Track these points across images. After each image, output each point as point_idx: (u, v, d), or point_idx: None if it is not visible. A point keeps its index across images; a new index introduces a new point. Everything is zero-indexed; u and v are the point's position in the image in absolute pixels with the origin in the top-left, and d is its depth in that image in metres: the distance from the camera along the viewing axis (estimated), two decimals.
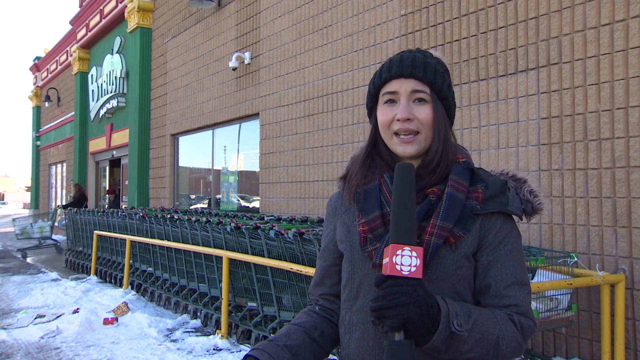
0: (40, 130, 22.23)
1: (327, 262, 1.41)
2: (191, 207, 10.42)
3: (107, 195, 15.14)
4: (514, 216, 1.29)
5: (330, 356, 4.06)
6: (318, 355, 1.33)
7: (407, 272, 1.07)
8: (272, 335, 4.81)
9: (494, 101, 4.65)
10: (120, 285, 8.09)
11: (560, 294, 3.56)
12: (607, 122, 3.87)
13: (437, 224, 1.19)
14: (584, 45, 4.03)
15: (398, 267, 1.07)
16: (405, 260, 1.07)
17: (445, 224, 1.19)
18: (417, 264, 1.07)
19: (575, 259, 3.66)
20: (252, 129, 8.47)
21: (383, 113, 1.28)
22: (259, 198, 8.00)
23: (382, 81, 1.29)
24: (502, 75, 4.59)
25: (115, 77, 13.65)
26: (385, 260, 1.09)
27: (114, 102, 13.90)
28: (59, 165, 20.06)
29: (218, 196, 9.84)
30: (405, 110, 1.25)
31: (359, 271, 1.29)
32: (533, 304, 3.43)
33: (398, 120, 1.25)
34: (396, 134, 1.26)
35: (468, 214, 1.22)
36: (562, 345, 4.09)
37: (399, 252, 1.07)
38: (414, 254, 1.08)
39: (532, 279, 3.54)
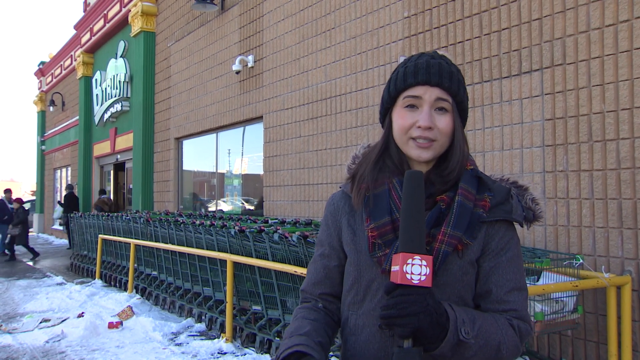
0: (45, 134, 22.33)
1: (333, 262, 1.39)
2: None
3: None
4: (515, 223, 1.32)
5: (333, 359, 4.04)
6: (328, 352, 1.33)
7: (417, 281, 1.09)
8: (277, 338, 4.81)
9: (498, 102, 4.64)
10: (125, 289, 8.09)
11: (566, 296, 3.54)
12: (612, 123, 3.85)
13: (448, 232, 1.22)
14: (588, 46, 4.01)
15: (408, 276, 1.09)
16: (416, 269, 1.09)
17: (455, 232, 1.22)
18: (427, 273, 1.10)
19: (581, 260, 3.63)
20: (255, 132, 8.47)
21: (403, 117, 1.28)
22: (263, 201, 8.00)
23: (407, 85, 1.28)
24: (506, 77, 4.57)
25: (119, 81, 13.69)
26: (395, 268, 1.11)
27: (118, 106, 13.94)
28: (64, 170, 20.14)
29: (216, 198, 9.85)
30: (428, 118, 1.25)
31: (366, 275, 1.29)
32: (539, 306, 3.41)
33: (419, 127, 1.25)
34: (413, 138, 1.27)
35: (475, 221, 1.25)
36: (568, 347, 4.06)
37: (409, 260, 1.09)
38: (424, 262, 1.10)
39: (538, 281, 3.52)
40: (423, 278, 1.09)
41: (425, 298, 1.09)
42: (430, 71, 1.26)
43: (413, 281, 1.09)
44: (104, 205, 13.69)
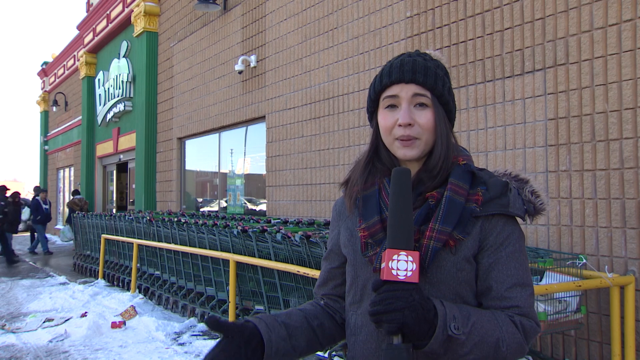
0: (48, 134, 22.38)
1: (332, 264, 1.44)
2: (202, 209, 10.44)
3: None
4: (517, 217, 1.28)
5: (337, 359, 4.05)
6: (312, 343, 1.35)
7: (404, 277, 1.09)
8: None
9: (501, 102, 4.63)
10: (128, 289, 8.11)
11: (569, 296, 3.54)
12: (615, 123, 3.85)
13: (436, 227, 1.20)
14: (591, 45, 4.01)
15: (394, 272, 1.09)
16: (402, 265, 1.09)
17: (444, 227, 1.20)
18: (413, 269, 1.09)
19: (584, 260, 3.63)
20: (258, 132, 8.48)
21: (384, 118, 1.29)
22: (266, 201, 8.01)
23: (383, 86, 1.29)
24: (509, 77, 4.57)
25: (122, 81, 13.71)
26: (383, 265, 1.11)
27: (120, 106, 13.96)
28: (67, 170, 20.18)
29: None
30: (407, 115, 1.25)
31: (362, 275, 1.31)
32: (542, 306, 3.41)
33: (400, 125, 1.25)
34: (397, 138, 1.27)
35: (467, 216, 1.23)
36: (572, 347, 4.06)
37: (395, 257, 1.10)
38: (410, 258, 1.10)
39: (540, 281, 3.51)
40: (409, 274, 1.09)
41: (411, 294, 1.08)
42: (404, 69, 1.27)
43: (399, 277, 1.08)
44: (75, 205, 13.96)
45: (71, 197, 15.04)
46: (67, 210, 15.53)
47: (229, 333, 1.20)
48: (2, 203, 13.24)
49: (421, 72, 1.26)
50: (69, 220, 14.58)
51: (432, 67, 1.28)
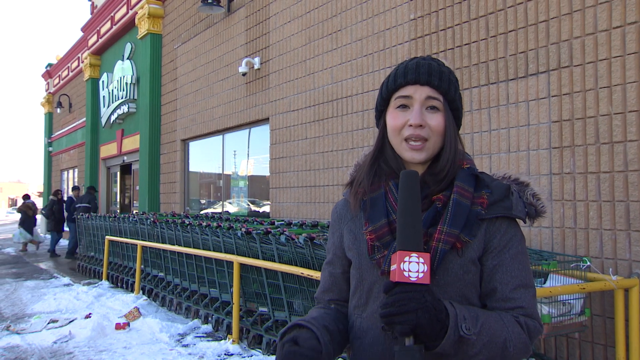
0: (52, 136, 22.45)
1: (337, 269, 1.43)
2: (201, 212, 10.45)
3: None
4: (517, 220, 1.30)
5: None
6: (339, 346, 1.33)
7: (415, 279, 1.10)
8: None
9: (505, 105, 4.63)
10: (132, 290, 8.12)
11: (573, 299, 3.53)
12: (619, 125, 3.85)
13: (444, 230, 1.21)
14: (595, 48, 4.01)
15: (406, 274, 1.10)
16: (413, 267, 1.10)
17: (452, 230, 1.21)
18: (425, 270, 1.10)
19: (588, 263, 3.63)
20: (262, 133, 8.49)
21: (394, 117, 1.30)
22: (269, 203, 8.02)
23: (397, 86, 1.30)
24: (513, 79, 4.57)
25: (126, 83, 13.75)
26: (393, 267, 1.12)
27: (124, 108, 14.00)
28: (71, 171, 20.24)
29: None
30: (419, 116, 1.26)
31: (368, 278, 1.31)
32: (545, 309, 3.41)
33: (410, 125, 1.26)
34: (406, 139, 1.28)
35: (473, 219, 1.24)
36: (576, 350, 4.06)
37: (406, 258, 1.10)
38: (421, 260, 1.11)
39: (544, 283, 3.52)
40: (421, 275, 1.10)
41: (423, 295, 1.09)
42: (420, 70, 1.28)
43: (411, 278, 1.09)
44: (28, 209, 14.03)
45: (23, 201, 15.23)
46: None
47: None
48: (89, 202, 13.31)
49: (436, 75, 1.28)
50: (22, 224, 15.09)
51: (446, 72, 1.31)
